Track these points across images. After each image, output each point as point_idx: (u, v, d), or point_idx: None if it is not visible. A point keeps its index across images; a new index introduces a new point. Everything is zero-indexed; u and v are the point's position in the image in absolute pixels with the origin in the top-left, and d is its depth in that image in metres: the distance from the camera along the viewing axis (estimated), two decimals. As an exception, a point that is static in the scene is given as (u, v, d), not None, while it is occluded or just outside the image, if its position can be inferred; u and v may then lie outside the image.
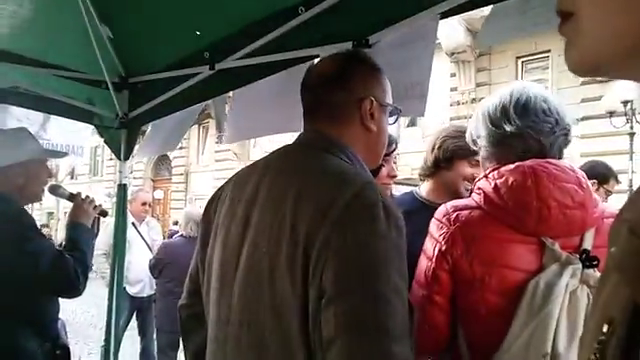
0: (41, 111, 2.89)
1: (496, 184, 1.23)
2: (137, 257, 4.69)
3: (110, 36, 2.31)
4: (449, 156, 1.86)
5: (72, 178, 24.77)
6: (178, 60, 2.30)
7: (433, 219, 1.32)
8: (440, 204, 1.88)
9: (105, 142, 2.81)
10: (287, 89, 1.16)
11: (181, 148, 20.58)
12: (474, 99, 12.23)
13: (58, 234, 18.64)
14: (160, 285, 4.48)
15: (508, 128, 1.25)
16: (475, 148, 1.40)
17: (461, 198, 1.88)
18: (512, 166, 1.23)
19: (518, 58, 11.93)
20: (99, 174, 24.43)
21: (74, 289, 1.93)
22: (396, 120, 1.24)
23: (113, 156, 2.85)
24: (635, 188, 0.43)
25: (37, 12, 2.09)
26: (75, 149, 4.35)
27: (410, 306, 0.97)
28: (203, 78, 2.20)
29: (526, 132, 1.24)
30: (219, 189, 1.22)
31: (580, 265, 1.14)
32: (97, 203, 2.20)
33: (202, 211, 1.26)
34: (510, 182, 1.20)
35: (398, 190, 2.54)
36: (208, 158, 19.80)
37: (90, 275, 2.01)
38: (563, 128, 1.26)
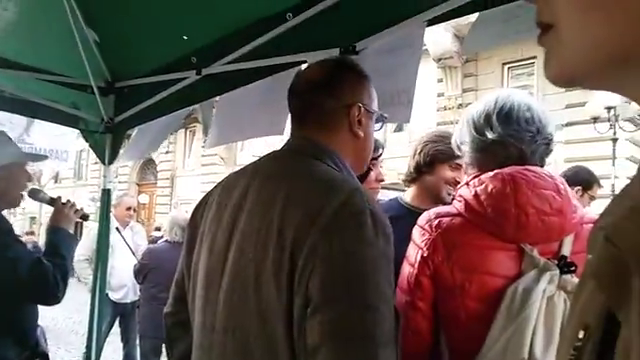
0: (25, 115, 2.86)
1: (476, 191, 1.24)
2: (120, 262, 4.63)
3: (96, 40, 2.30)
4: (430, 160, 1.88)
5: (56, 182, 24.43)
6: (165, 65, 2.29)
7: (416, 226, 1.33)
8: (425, 210, 1.90)
9: (90, 146, 2.79)
10: (272, 94, 1.16)
11: (167, 152, 20.43)
12: (461, 105, 12.32)
13: (41, 239, 18.41)
14: (144, 290, 4.44)
15: (490, 135, 1.26)
16: (459, 153, 1.41)
17: (444, 202, 1.90)
18: (492, 173, 1.24)
19: (504, 64, 12.04)
20: (83, 178, 24.15)
21: (53, 296, 1.89)
22: (381, 127, 1.25)
23: (98, 160, 2.83)
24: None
25: (22, 15, 2.07)
26: (59, 154, 4.31)
27: (396, 313, 0.97)
28: (190, 83, 2.19)
29: (507, 140, 1.25)
30: (207, 194, 1.21)
31: (557, 271, 1.15)
32: (78, 207, 2.16)
33: (188, 216, 1.26)
34: (490, 189, 1.22)
35: (385, 195, 2.55)
36: (194, 162, 19.67)
37: (72, 280, 1.97)
38: (545, 137, 1.27)
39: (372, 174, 1.84)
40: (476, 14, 1.42)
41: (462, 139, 1.35)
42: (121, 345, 4.87)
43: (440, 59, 12.28)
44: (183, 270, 1.22)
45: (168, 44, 2.17)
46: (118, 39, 2.32)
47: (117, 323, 4.78)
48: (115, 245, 4.51)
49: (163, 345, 1.35)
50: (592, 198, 3.22)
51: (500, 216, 1.19)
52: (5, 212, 1.94)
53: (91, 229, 4.67)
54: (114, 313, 4.65)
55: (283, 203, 0.97)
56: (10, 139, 2.04)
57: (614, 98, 7.53)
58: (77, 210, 2.14)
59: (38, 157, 2.56)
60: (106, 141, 2.69)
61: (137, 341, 4.63)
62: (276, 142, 1.22)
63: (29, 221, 23.60)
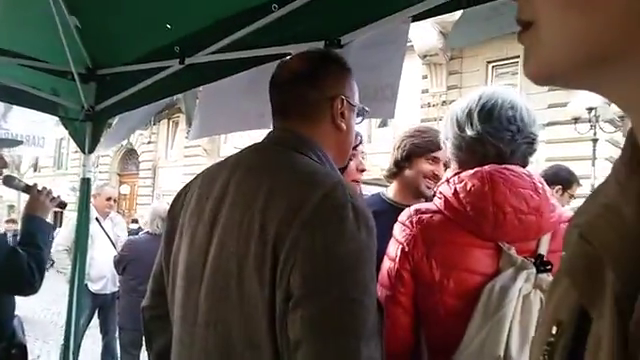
0: (3, 101, 2.80)
1: (456, 189, 1.24)
2: (100, 253, 4.58)
3: (78, 26, 2.25)
4: (407, 155, 1.92)
5: (35, 171, 24.07)
6: (148, 53, 2.26)
7: (397, 222, 1.33)
8: (407, 205, 1.91)
9: (70, 135, 2.74)
10: (257, 86, 1.15)
11: (149, 142, 20.24)
12: (445, 101, 12.39)
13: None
14: (124, 282, 4.40)
15: (469, 132, 1.26)
16: (443, 148, 1.42)
17: (424, 196, 1.93)
18: (471, 171, 1.24)
19: (489, 63, 12.13)
20: (63, 167, 23.80)
21: (29, 286, 1.85)
22: (362, 120, 1.25)
23: (78, 149, 2.78)
24: None
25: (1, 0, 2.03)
26: (36, 140, 4.22)
27: (380, 307, 0.97)
28: (173, 72, 2.17)
29: (485, 138, 1.25)
30: (186, 186, 1.20)
31: (534, 270, 1.16)
32: (55, 195, 2.11)
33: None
34: (469, 187, 1.22)
35: (368, 190, 2.56)
36: (177, 153, 19.51)
37: (51, 271, 1.94)
38: (526, 136, 1.27)
39: (352, 164, 1.85)
40: (460, 11, 1.43)
41: (446, 135, 1.36)
42: (100, 337, 4.83)
43: (425, 56, 12.33)
44: (162, 263, 1.20)
45: (151, 32, 2.14)
46: (100, 26, 2.28)
47: (96, 315, 4.74)
48: (95, 236, 4.46)
49: (143, 338, 1.33)
50: (572, 197, 3.27)
51: (478, 214, 1.20)
52: None
53: (70, 219, 4.61)
54: (93, 304, 4.60)
55: (265, 197, 0.96)
56: None
57: (595, 99, 7.64)
58: (54, 198, 2.09)
59: (12, 142, 2.48)
60: (86, 129, 2.66)
61: (117, 333, 4.60)
62: (260, 135, 1.21)
63: (7, 209, 23.21)
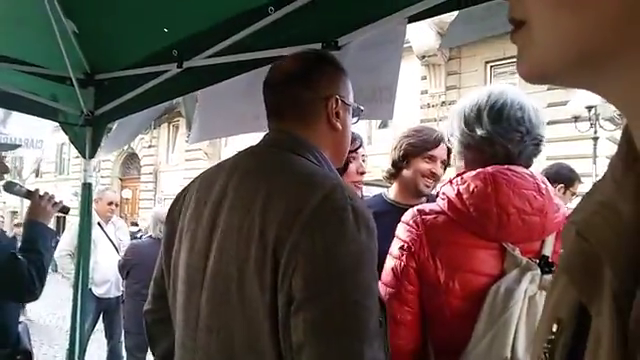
0: (3, 107, 2.80)
1: (459, 190, 1.24)
2: (103, 257, 4.61)
3: (75, 31, 2.26)
4: (404, 155, 1.96)
5: (37, 176, 24.09)
6: (145, 57, 2.26)
7: (400, 222, 1.33)
8: (408, 205, 1.93)
9: (70, 140, 2.74)
10: (254, 89, 1.15)
11: (150, 147, 20.25)
12: (444, 102, 12.38)
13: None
14: (128, 286, 4.41)
15: (479, 132, 1.26)
16: (449, 145, 1.41)
17: (423, 195, 1.96)
18: (474, 172, 1.24)
19: (487, 63, 12.12)
20: (65, 172, 23.80)
21: (28, 293, 1.84)
22: (358, 120, 1.24)
23: (80, 155, 2.78)
24: None
25: (-1, 5, 2.03)
26: (34, 143, 4.24)
27: (383, 306, 0.97)
28: (171, 76, 2.17)
29: (495, 138, 1.25)
30: (184, 189, 1.20)
31: (539, 271, 1.16)
32: (57, 200, 2.10)
33: (168, 212, 1.24)
34: (472, 189, 1.22)
35: (369, 192, 2.57)
36: (178, 157, 19.51)
37: (56, 276, 1.93)
38: (534, 138, 1.27)
39: (352, 166, 1.87)
40: (456, 12, 1.43)
41: (452, 131, 1.35)
42: (105, 341, 4.83)
43: (424, 57, 12.33)
44: (162, 267, 1.20)
45: (149, 37, 2.14)
46: (97, 31, 2.28)
47: (101, 319, 4.74)
48: (97, 240, 4.48)
49: (148, 341, 1.34)
50: (574, 195, 3.26)
51: (482, 216, 1.20)
52: None
53: (73, 224, 4.62)
54: (98, 309, 4.62)
55: (263, 201, 0.95)
56: None
57: (595, 97, 7.62)
58: (56, 203, 2.08)
59: (10, 146, 2.47)
60: (86, 134, 2.66)
61: (122, 337, 4.60)
62: (260, 138, 1.20)
63: (10, 215, 23.23)
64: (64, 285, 4.68)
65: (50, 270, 1.98)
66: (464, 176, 1.26)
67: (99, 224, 4.73)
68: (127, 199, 20.19)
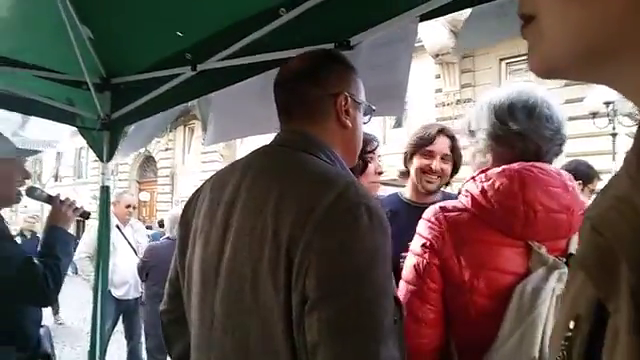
0: (21, 112, 2.84)
1: (483, 187, 1.22)
2: (122, 260, 4.66)
3: (90, 36, 2.29)
4: (408, 155, 2.08)
5: (56, 180, 24.47)
6: (160, 61, 2.28)
7: (422, 219, 1.31)
8: (421, 203, 1.95)
9: (88, 144, 2.77)
10: (267, 91, 1.16)
11: (167, 149, 20.43)
12: (459, 100, 12.30)
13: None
14: (147, 288, 4.47)
15: (513, 126, 1.24)
16: (470, 140, 1.39)
17: (429, 191, 2.02)
18: (499, 169, 1.23)
19: (502, 60, 12.01)
20: (84, 176, 24.13)
21: (43, 297, 1.84)
22: (369, 119, 1.23)
23: (97, 158, 2.82)
24: None
25: (15, 12, 2.06)
26: (51, 143, 4.32)
27: (399, 305, 0.96)
28: (185, 79, 2.19)
29: (528, 134, 1.24)
30: (197, 190, 1.20)
31: (566, 269, 1.14)
32: (78, 205, 2.12)
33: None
34: (497, 186, 1.20)
35: (384, 191, 2.59)
36: (194, 159, 19.65)
37: (76, 279, 1.95)
38: (560, 137, 1.27)
39: (371, 167, 1.90)
40: (469, 10, 1.42)
41: (478, 125, 1.33)
42: (125, 342, 4.89)
43: (437, 55, 12.24)
44: (177, 268, 1.21)
45: (163, 40, 2.16)
46: (112, 35, 2.31)
47: (120, 320, 4.80)
48: (116, 243, 4.54)
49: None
50: (592, 192, 3.22)
51: (508, 213, 1.18)
52: (7, 210, 1.90)
53: (92, 227, 4.69)
54: (117, 310, 4.68)
55: (276, 201, 0.95)
56: (2, 135, 2.01)
57: (612, 93, 7.51)
58: (76, 208, 2.10)
59: (30, 152, 2.49)
60: (104, 138, 2.69)
61: (141, 338, 4.64)
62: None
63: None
64: (85, 287, 4.75)
65: (70, 273, 1.99)
66: (488, 173, 1.25)
67: (117, 227, 4.79)
68: (145, 202, 20.38)
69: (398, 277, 1.32)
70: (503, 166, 1.23)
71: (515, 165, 1.22)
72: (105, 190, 2.82)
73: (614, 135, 8.82)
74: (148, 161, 21.80)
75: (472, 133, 1.36)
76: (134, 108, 2.50)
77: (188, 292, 1.13)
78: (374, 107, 1.22)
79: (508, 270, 1.17)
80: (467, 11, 1.46)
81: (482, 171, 1.27)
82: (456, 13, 1.44)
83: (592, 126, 8.72)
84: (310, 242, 0.88)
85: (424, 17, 1.43)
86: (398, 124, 13.34)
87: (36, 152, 2.61)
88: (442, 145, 2.01)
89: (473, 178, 1.28)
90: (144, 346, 4.61)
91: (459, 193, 1.33)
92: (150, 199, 20.96)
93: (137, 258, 4.74)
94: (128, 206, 5.01)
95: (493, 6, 1.33)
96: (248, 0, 1.80)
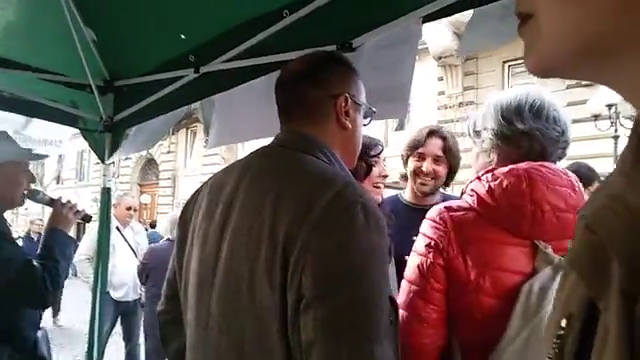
0: (24, 114, 2.85)
1: (490, 186, 1.22)
2: (121, 261, 4.67)
3: (94, 39, 2.30)
4: (405, 160, 2.13)
5: (58, 183, 24.48)
6: (163, 63, 2.29)
7: (426, 219, 1.31)
8: (420, 205, 1.97)
9: (90, 146, 2.78)
10: (271, 93, 1.16)
11: (168, 152, 20.44)
12: (461, 103, 12.30)
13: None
14: (147, 290, 4.47)
15: (520, 126, 1.25)
16: (476, 140, 1.39)
17: (424, 194, 2.05)
18: (506, 169, 1.23)
19: (505, 62, 12.00)
20: (85, 179, 24.14)
21: (41, 299, 1.85)
22: (370, 122, 1.23)
23: (99, 160, 2.82)
24: None
25: (19, 15, 2.07)
26: (54, 143, 4.31)
27: (395, 306, 0.96)
28: (188, 81, 2.19)
29: (535, 134, 1.24)
30: (196, 192, 1.21)
31: None
32: (80, 208, 2.12)
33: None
34: (504, 185, 1.20)
35: (387, 194, 2.61)
36: (196, 162, 19.66)
37: (76, 280, 1.95)
38: (565, 140, 1.28)
39: (375, 170, 1.91)
40: (471, 11, 1.41)
41: (484, 125, 1.33)
42: (123, 344, 4.88)
43: (440, 57, 12.25)
44: (175, 268, 1.21)
45: (166, 43, 2.17)
46: (116, 38, 2.32)
47: (119, 322, 4.80)
48: (116, 244, 4.54)
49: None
50: (592, 194, 3.21)
51: (516, 212, 1.18)
52: (9, 213, 1.90)
53: (92, 228, 4.70)
54: (116, 312, 4.68)
55: (273, 201, 0.95)
56: (9, 137, 2.00)
57: (615, 96, 7.49)
58: (78, 211, 2.10)
59: (38, 157, 2.50)
60: (105, 140, 2.70)
61: (139, 339, 4.64)
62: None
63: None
64: (84, 289, 4.75)
65: (70, 274, 1.99)
66: (495, 172, 1.24)
67: (117, 228, 4.79)
68: (146, 204, 20.38)
69: (401, 277, 1.32)
70: (510, 165, 1.23)
71: (523, 164, 1.22)
72: (106, 192, 2.83)
73: (616, 138, 8.79)
74: (150, 164, 21.81)
75: (477, 133, 1.36)
76: (137, 110, 2.51)
77: (185, 292, 1.13)
78: (374, 109, 1.22)
79: (514, 269, 1.17)
80: (469, 12, 1.46)
81: (488, 171, 1.27)
82: (459, 15, 1.44)
83: (594, 129, 8.71)
84: (307, 241, 0.88)
85: (427, 18, 1.43)
86: (400, 127, 13.34)
87: (45, 157, 2.62)
88: (433, 147, 2.03)
89: (478, 178, 1.28)
90: (142, 348, 4.61)
91: (463, 193, 1.33)
92: (151, 202, 20.96)
93: (137, 260, 4.74)
94: (129, 208, 5.01)
95: (496, 8, 1.33)
96: (251, 2, 1.81)
